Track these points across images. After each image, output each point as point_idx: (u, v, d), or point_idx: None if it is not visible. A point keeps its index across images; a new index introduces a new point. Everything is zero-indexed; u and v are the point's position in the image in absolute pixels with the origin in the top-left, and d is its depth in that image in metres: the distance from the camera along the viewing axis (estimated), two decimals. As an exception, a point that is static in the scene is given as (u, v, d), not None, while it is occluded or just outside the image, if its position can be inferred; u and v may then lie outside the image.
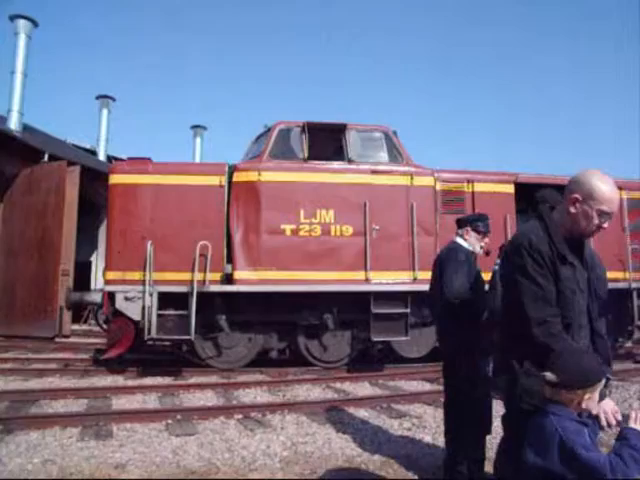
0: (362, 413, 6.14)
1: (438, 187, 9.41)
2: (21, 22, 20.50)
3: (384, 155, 9.35)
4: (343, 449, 4.75)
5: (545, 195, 3.75)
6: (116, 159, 21.92)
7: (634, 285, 9.85)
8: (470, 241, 4.30)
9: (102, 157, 27.59)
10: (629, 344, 10.56)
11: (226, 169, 8.90)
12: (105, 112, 29.12)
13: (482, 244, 4.35)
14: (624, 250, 10.00)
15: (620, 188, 10.37)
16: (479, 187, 9.61)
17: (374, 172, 9.13)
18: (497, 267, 3.50)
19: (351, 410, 6.25)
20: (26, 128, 20.13)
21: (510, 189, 9.73)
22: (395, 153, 9.36)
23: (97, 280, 18.95)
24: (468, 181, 9.62)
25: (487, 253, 4.48)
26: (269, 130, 9.30)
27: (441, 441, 4.81)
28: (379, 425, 5.62)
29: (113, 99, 29.67)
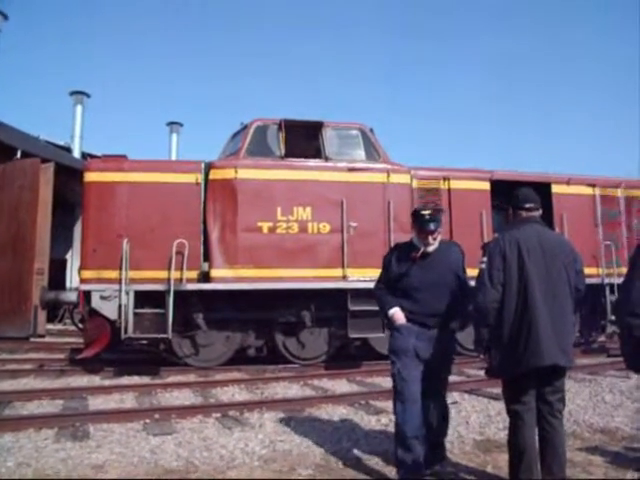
0: (340, 410, 6.17)
1: (414, 184, 9.48)
2: (-9, 15, 20.11)
3: (361, 152, 9.38)
4: (321, 446, 4.77)
5: (527, 194, 3.78)
6: (91, 156, 21.63)
7: (606, 281, 10.06)
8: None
9: (77, 154, 27.25)
10: (602, 338, 10.76)
11: (202, 166, 8.86)
12: (79, 108, 28.77)
13: (425, 242, 3.98)
14: (597, 246, 10.21)
15: (593, 185, 10.62)
16: (455, 184, 9.71)
17: (351, 170, 9.16)
18: (484, 265, 3.52)
19: (329, 407, 6.28)
20: (-3, 124, 19.76)
21: (486, 186, 9.86)
22: (372, 150, 9.40)
23: (73, 278, 18.73)
24: (444, 178, 9.71)
25: (423, 255, 3.99)
26: (246, 127, 9.26)
27: (418, 437, 4.86)
28: (357, 422, 5.64)
29: (88, 95, 29.31)
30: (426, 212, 4.02)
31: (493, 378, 3.90)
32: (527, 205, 3.71)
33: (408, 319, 3.95)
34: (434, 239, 3.99)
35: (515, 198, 3.77)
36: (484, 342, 3.59)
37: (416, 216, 4.06)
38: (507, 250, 3.51)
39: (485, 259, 3.56)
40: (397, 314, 3.97)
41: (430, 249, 3.99)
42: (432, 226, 3.95)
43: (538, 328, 3.37)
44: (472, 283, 4.21)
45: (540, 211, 3.79)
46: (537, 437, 3.53)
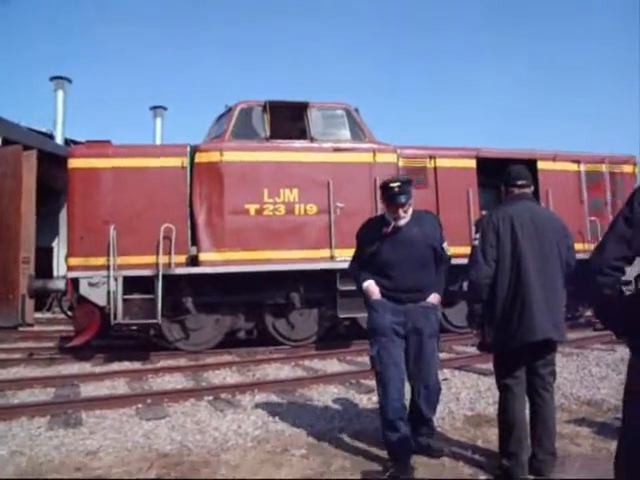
0: (331, 389, 6.22)
1: (401, 163, 9.47)
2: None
3: (346, 133, 9.36)
4: (313, 425, 4.81)
5: (519, 172, 3.79)
6: (74, 142, 21.36)
7: (592, 255, 10.12)
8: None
9: (59, 141, 26.87)
10: (588, 313, 10.87)
11: (188, 150, 8.80)
12: (60, 94, 28.29)
13: (395, 215, 3.80)
14: (583, 222, 10.28)
15: (577, 161, 10.67)
16: (441, 162, 9.72)
17: (337, 150, 9.14)
18: (477, 242, 3.53)
19: (320, 387, 6.33)
20: (-22, 112, 19.43)
21: (472, 164, 9.88)
22: (357, 130, 9.37)
23: (60, 266, 18.62)
24: (430, 157, 9.72)
25: (394, 230, 3.82)
26: (230, 110, 9.20)
27: (409, 414, 4.91)
28: (349, 400, 5.70)
29: (69, 80, 28.81)
30: (395, 184, 3.78)
31: (485, 353, 3.93)
32: (519, 182, 3.72)
33: (383, 295, 3.87)
34: (405, 212, 3.81)
35: (507, 175, 3.78)
36: (477, 318, 3.62)
37: (385, 189, 3.83)
38: (500, 226, 3.52)
39: (478, 235, 3.57)
40: (371, 287, 3.88)
41: (401, 223, 3.81)
42: (402, 199, 3.75)
43: (532, 303, 3.40)
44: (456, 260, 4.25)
45: (532, 188, 3.81)
46: (527, 411, 3.59)
